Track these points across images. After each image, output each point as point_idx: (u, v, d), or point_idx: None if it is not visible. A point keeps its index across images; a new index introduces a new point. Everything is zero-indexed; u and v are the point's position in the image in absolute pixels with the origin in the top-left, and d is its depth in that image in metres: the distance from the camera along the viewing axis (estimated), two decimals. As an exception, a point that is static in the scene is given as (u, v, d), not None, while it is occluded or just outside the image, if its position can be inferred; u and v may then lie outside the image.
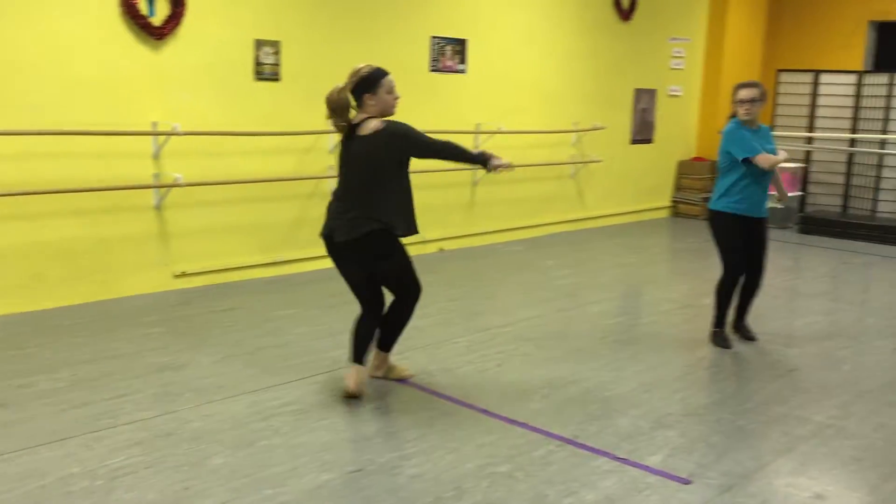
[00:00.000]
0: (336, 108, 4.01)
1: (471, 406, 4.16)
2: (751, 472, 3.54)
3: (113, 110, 5.72)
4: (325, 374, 4.51)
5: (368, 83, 3.99)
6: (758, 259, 5.30)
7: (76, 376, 4.37)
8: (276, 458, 3.52)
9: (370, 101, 4.00)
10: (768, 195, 5.25)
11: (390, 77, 4.04)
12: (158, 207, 6.05)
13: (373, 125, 3.99)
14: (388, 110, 4.06)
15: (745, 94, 5.07)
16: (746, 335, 5.43)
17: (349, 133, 4.06)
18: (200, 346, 4.93)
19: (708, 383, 4.70)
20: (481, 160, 4.18)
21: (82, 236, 5.71)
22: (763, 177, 5.12)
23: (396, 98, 4.08)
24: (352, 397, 4.16)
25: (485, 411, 4.09)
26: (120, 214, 5.87)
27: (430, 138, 4.06)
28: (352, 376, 4.19)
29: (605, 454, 3.66)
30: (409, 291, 4.30)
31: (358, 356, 4.20)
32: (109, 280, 5.88)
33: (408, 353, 4.89)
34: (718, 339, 5.31)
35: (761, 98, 5.08)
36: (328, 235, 4.13)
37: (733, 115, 5.17)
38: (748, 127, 5.09)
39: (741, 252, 5.19)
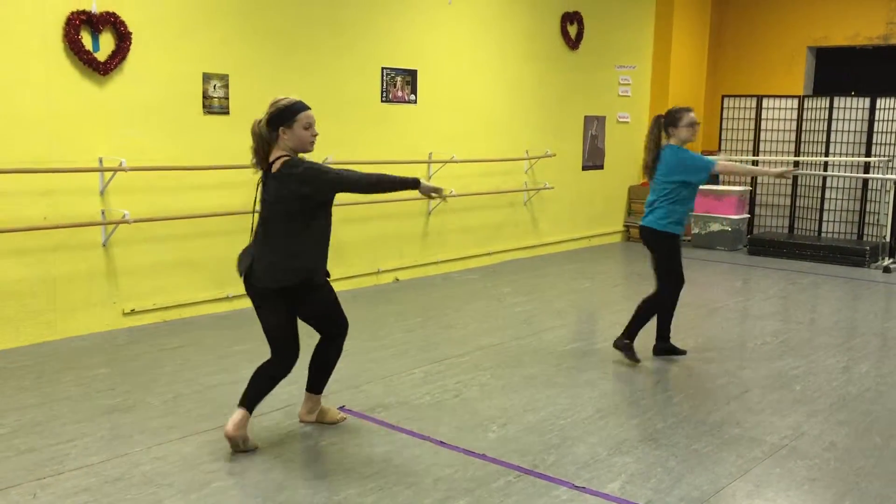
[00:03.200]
0: (256, 140, 3.87)
1: (428, 438, 4.12)
2: (707, 497, 3.56)
3: (58, 147, 5.62)
4: (279, 411, 4.44)
5: (285, 116, 3.80)
6: None
7: (20, 421, 4.24)
8: (230, 500, 3.44)
9: (285, 136, 3.82)
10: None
11: (310, 112, 3.85)
12: (106, 245, 5.93)
13: (279, 163, 3.81)
14: (303, 147, 3.85)
15: (695, 116, 5.37)
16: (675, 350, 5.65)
17: (267, 171, 3.87)
18: (150, 386, 4.82)
19: (663, 407, 4.73)
20: (412, 183, 3.90)
21: (27, 276, 5.57)
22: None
23: (314, 135, 3.88)
24: (231, 441, 3.87)
25: (442, 443, 4.06)
26: (66, 253, 5.74)
27: (340, 173, 3.80)
28: (233, 419, 3.88)
29: (564, 483, 3.65)
30: (337, 329, 4.12)
31: (247, 401, 3.92)
32: (56, 320, 5.73)
33: (363, 385, 4.85)
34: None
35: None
36: (247, 276, 3.95)
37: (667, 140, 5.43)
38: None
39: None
